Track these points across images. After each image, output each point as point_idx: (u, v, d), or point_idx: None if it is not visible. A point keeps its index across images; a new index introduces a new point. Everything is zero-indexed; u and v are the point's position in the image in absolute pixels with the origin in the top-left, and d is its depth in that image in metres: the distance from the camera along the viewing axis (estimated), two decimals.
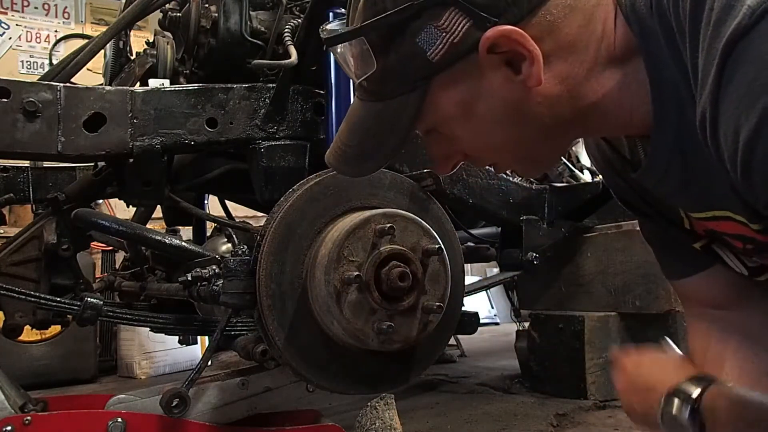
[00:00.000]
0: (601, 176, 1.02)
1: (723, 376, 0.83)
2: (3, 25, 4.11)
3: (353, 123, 0.77)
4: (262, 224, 1.20)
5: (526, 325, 2.31)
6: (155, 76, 1.76)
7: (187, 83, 1.69)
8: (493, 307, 5.38)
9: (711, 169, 0.64)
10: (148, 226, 1.92)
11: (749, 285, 0.86)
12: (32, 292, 1.45)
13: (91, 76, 2.15)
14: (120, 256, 3.15)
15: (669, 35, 0.62)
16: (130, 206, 2.01)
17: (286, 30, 1.58)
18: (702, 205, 0.73)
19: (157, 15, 1.79)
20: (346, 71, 0.75)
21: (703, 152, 0.64)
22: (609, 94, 0.69)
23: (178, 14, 1.73)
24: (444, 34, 0.64)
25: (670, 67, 0.64)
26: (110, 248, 3.25)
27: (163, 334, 2.76)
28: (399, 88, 0.69)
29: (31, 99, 1.35)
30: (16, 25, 4.16)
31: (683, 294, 0.95)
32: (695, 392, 0.73)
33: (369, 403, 1.44)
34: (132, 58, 1.96)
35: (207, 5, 1.66)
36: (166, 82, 1.64)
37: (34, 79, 1.61)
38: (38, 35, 4.22)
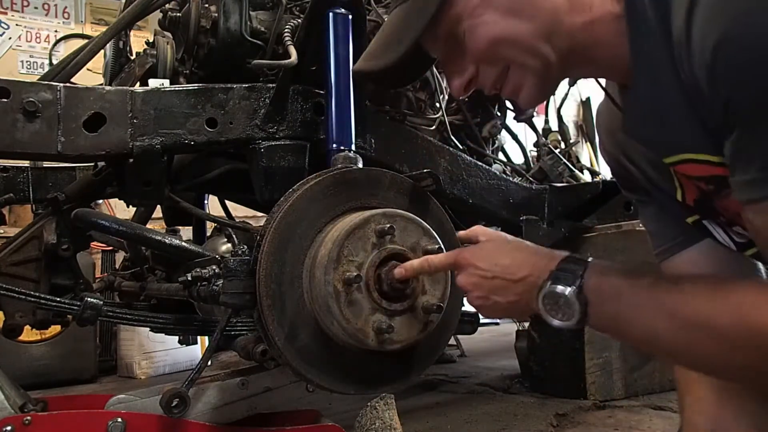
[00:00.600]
0: (611, 174, 1.11)
1: None
2: (3, 25, 4.11)
3: (385, 26, 0.91)
4: (262, 224, 1.20)
5: (526, 325, 2.31)
6: (155, 76, 1.76)
7: (187, 83, 1.69)
8: None
9: (677, 110, 0.75)
10: (148, 226, 1.92)
11: (739, 264, 0.92)
12: (32, 292, 1.45)
13: (91, 76, 2.15)
14: (120, 256, 3.15)
15: None
16: (130, 206, 2.01)
17: (286, 30, 1.58)
18: (673, 148, 0.81)
19: (156, 15, 1.79)
20: None
21: (672, 95, 0.74)
22: (598, 21, 0.80)
23: (178, 14, 1.73)
24: None
25: (649, 18, 0.74)
26: (110, 248, 3.26)
27: (163, 334, 2.76)
28: None
29: (31, 99, 1.35)
30: (16, 25, 4.16)
31: (676, 272, 1.00)
32: (579, 270, 0.78)
33: (369, 403, 1.44)
34: (132, 58, 1.96)
35: (207, 5, 1.66)
36: (166, 82, 1.64)
37: (34, 79, 1.61)
38: (38, 35, 4.22)
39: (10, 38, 4.12)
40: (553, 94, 0.98)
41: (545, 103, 2.80)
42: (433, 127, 2.05)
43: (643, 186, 1.00)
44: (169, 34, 1.83)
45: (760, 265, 0.94)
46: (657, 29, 0.73)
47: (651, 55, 0.76)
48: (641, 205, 1.08)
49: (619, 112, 0.91)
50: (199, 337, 3.05)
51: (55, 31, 4.26)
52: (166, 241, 1.60)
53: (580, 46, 0.82)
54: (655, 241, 1.04)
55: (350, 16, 1.48)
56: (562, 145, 2.74)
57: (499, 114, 2.47)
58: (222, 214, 2.17)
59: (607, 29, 0.80)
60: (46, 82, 1.42)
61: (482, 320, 1.81)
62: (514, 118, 2.55)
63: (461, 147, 2.15)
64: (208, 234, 2.14)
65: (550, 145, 2.55)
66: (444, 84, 2.14)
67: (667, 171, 0.89)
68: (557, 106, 3.08)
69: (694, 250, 0.96)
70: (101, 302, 1.43)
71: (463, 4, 0.83)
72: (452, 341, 3.11)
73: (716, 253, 0.93)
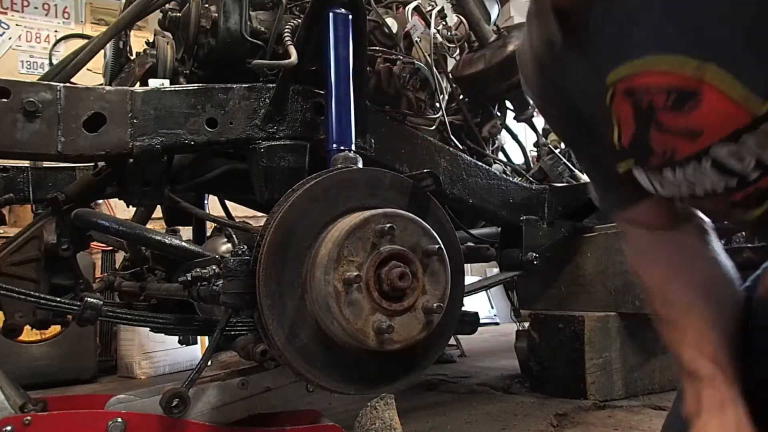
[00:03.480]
0: (536, 106, 1.02)
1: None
2: (3, 25, 4.11)
3: None
4: (262, 224, 1.20)
5: (526, 325, 2.31)
6: (155, 76, 1.76)
7: (187, 83, 1.69)
8: (493, 307, 5.38)
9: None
10: (148, 226, 1.92)
11: (687, 210, 0.89)
12: (32, 292, 1.45)
13: (91, 76, 2.15)
14: (120, 256, 3.15)
15: None
16: (130, 206, 2.01)
17: (286, 30, 1.58)
18: (634, 48, 0.71)
19: (156, 15, 1.79)
20: None
21: None
22: None
23: (178, 14, 1.73)
24: None
25: None
26: (110, 248, 3.26)
27: (163, 334, 2.76)
28: None
29: (31, 99, 1.35)
30: (16, 25, 4.16)
31: (626, 221, 0.94)
32: None
33: (369, 403, 1.44)
34: (132, 58, 1.96)
35: (207, 5, 1.66)
36: (166, 82, 1.64)
37: (34, 79, 1.61)
38: (38, 35, 4.22)
39: (10, 38, 4.12)
40: None
41: None
42: (433, 127, 2.05)
43: (574, 132, 0.92)
44: (169, 34, 1.83)
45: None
46: None
47: None
48: (578, 151, 1.01)
49: (557, 37, 0.81)
50: (199, 337, 3.05)
51: (55, 31, 4.26)
52: (166, 241, 1.60)
53: None
54: (601, 190, 0.97)
55: (350, 16, 1.48)
56: (562, 145, 2.73)
57: (499, 114, 2.47)
58: (222, 214, 2.17)
59: None
60: (46, 82, 1.42)
61: (482, 320, 1.81)
62: (514, 118, 2.55)
63: (461, 147, 2.15)
64: (208, 234, 2.14)
65: (550, 145, 2.55)
66: (444, 84, 2.14)
67: (606, 107, 0.79)
68: None
69: (649, 201, 0.89)
70: (101, 302, 1.43)
71: None
72: (452, 341, 3.11)
73: (669, 205, 0.88)
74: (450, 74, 2.30)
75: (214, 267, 1.32)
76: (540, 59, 0.88)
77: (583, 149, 0.97)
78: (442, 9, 2.17)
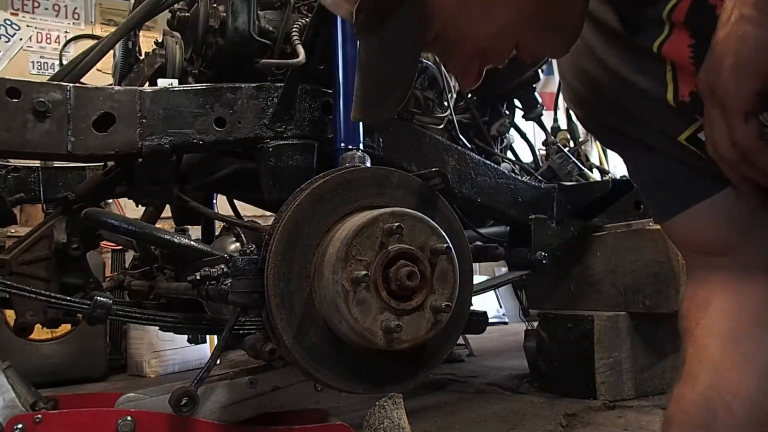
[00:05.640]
0: (579, 117, 0.92)
1: (699, 328, 0.77)
2: (14, 26, 4.14)
3: (363, 66, 0.75)
4: (270, 223, 1.20)
5: (535, 324, 2.31)
6: (164, 76, 1.77)
7: (196, 83, 1.69)
8: (501, 307, 5.37)
9: None
10: (158, 225, 1.93)
11: (750, 221, 0.75)
12: (43, 291, 1.46)
13: (100, 76, 2.16)
14: (129, 256, 3.17)
15: None
16: (140, 206, 2.02)
17: (294, 29, 1.58)
18: None
19: (165, 15, 1.80)
20: (341, 12, 0.74)
21: None
22: None
23: (187, 14, 1.73)
24: None
25: None
26: (120, 247, 3.27)
27: (172, 333, 2.77)
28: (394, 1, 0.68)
29: (41, 99, 1.35)
30: (27, 26, 4.19)
31: (680, 240, 0.85)
32: None
33: (377, 403, 1.44)
34: (141, 58, 1.97)
35: (215, 5, 1.67)
36: (175, 82, 1.65)
37: (45, 79, 1.62)
38: (48, 36, 4.25)
39: (21, 39, 4.16)
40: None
41: (554, 101, 2.79)
42: (442, 125, 2.04)
43: (624, 125, 0.82)
44: (177, 34, 1.83)
45: None
46: None
47: None
48: (627, 157, 0.89)
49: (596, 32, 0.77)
50: (208, 336, 3.06)
51: (66, 31, 4.29)
52: (175, 240, 1.61)
53: None
54: (648, 197, 0.88)
55: None
56: (571, 144, 2.72)
57: (507, 112, 2.46)
58: (230, 213, 2.18)
59: None
60: (56, 83, 1.43)
61: (490, 320, 1.80)
62: (523, 116, 2.54)
63: (470, 146, 2.14)
64: (217, 233, 2.15)
65: (559, 144, 2.54)
66: (452, 82, 2.13)
67: (656, 65, 0.71)
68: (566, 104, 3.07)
69: (700, 208, 0.77)
70: (111, 301, 1.44)
71: (438, 5, 0.69)
72: (460, 340, 3.11)
73: (725, 215, 0.75)
74: None
75: (222, 266, 1.32)
76: (586, 72, 0.83)
77: (636, 153, 0.85)
78: None
